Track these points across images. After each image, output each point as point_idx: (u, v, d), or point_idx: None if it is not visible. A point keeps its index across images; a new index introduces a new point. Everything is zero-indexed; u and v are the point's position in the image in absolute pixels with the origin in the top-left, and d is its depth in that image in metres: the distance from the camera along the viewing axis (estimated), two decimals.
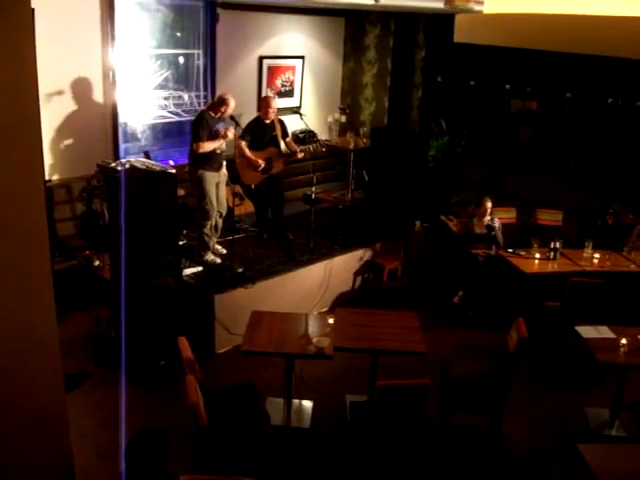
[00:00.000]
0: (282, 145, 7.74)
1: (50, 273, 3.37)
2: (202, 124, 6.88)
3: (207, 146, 6.83)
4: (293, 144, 7.86)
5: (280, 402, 5.69)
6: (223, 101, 6.95)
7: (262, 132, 7.62)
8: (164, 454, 3.12)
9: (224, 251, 7.31)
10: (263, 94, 9.87)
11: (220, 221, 7.27)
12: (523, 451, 5.34)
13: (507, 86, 9.61)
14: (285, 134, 7.79)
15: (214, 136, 6.87)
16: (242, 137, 7.48)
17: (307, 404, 5.82)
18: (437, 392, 5.28)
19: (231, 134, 6.91)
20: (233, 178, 7.55)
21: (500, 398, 5.17)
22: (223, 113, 6.93)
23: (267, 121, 7.62)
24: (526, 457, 5.27)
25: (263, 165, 7.58)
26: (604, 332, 5.61)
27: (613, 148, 9.13)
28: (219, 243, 7.40)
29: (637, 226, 7.58)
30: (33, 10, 3.10)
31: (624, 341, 5.40)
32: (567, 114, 9.53)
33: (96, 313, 6.60)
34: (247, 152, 7.51)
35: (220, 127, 6.93)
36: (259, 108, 7.67)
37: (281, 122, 7.75)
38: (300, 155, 7.73)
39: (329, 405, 5.81)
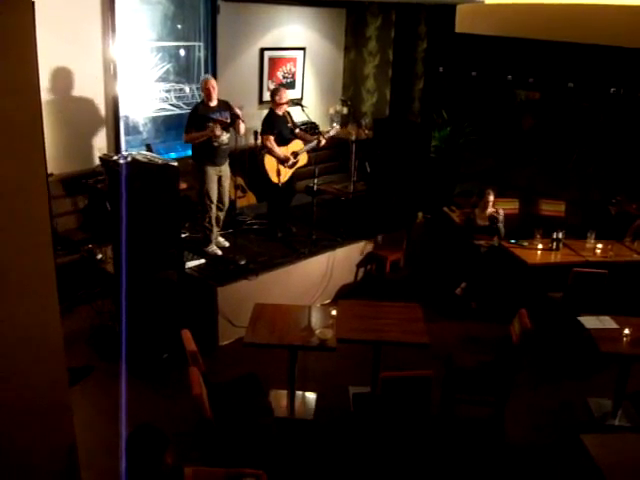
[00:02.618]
0: (301, 142, 7.63)
1: (53, 267, 3.37)
2: (191, 115, 6.88)
3: (193, 137, 6.78)
4: (307, 134, 7.77)
5: (283, 394, 5.70)
6: (201, 85, 6.96)
7: (280, 125, 7.45)
8: (160, 450, 3.14)
9: (227, 244, 7.30)
10: (264, 86, 9.85)
11: (222, 214, 7.24)
12: (526, 442, 5.35)
13: (509, 77, 9.59)
14: (295, 125, 7.71)
15: (204, 128, 6.77)
16: (267, 133, 7.34)
17: (310, 396, 5.83)
18: (440, 383, 5.29)
19: (218, 131, 6.76)
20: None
21: (503, 389, 5.18)
22: (210, 96, 6.81)
23: (280, 113, 7.44)
24: (529, 448, 5.27)
25: (292, 159, 7.47)
26: (607, 322, 5.61)
27: (615, 138, 9.10)
28: (222, 236, 7.38)
29: (638, 219, 7.58)
30: (33, 3, 3.09)
31: (627, 331, 5.40)
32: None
33: (99, 306, 6.61)
34: (276, 149, 7.34)
35: (216, 116, 6.81)
36: (272, 99, 7.50)
37: (289, 113, 7.62)
38: (323, 142, 7.58)
39: (332, 397, 5.82)
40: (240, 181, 8.04)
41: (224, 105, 6.94)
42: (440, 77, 10.38)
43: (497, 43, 8.19)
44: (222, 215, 7.26)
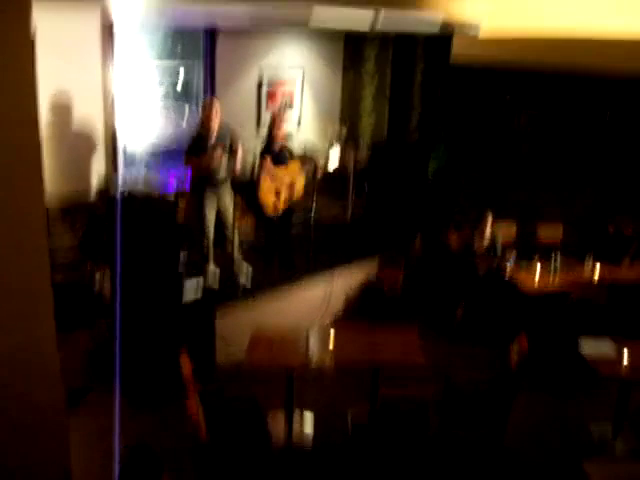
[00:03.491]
0: (299, 162, 7.63)
1: (50, 290, 3.36)
2: (191, 140, 6.82)
3: (193, 161, 6.72)
4: (305, 160, 7.76)
5: (281, 417, 5.66)
6: (202, 108, 6.91)
7: (277, 151, 7.44)
8: (155, 473, 3.12)
9: (249, 272, 7.22)
10: (262, 109, 9.88)
11: (230, 235, 7.13)
12: (525, 466, 5.31)
13: (507, 98, 9.64)
14: (292, 153, 7.66)
15: (205, 153, 6.71)
16: (263, 157, 7.32)
17: (308, 418, 5.80)
18: (438, 405, 5.26)
19: (217, 156, 6.71)
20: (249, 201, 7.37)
21: (502, 412, 5.15)
22: (211, 120, 6.74)
23: (278, 139, 7.43)
24: (529, 472, 5.23)
25: (287, 184, 7.43)
26: (606, 346, 5.59)
27: (612, 160, 9.13)
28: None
29: (634, 242, 7.60)
30: (34, 31, 3.10)
31: (626, 355, 5.38)
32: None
33: (96, 329, 6.58)
34: (271, 171, 7.30)
35: (217, 142, 6.77)
36: (270, 125, 7.54)
37: (287, 139, 7.61)
38: (320, 170, 7.64)
39: (330, 419, 5.79)
40: (238, 201, 8.01)
41: (224, 130, 6.90)
42: (438, 100, 10.42)
43: (493, 72, 8.26)
44: (233, 237, 7.14)
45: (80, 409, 5.63)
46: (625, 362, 5.34)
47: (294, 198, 7.68)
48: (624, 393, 5.52)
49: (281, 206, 7.44)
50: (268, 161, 7.28)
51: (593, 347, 5.58)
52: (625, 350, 5.43)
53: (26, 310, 3.25)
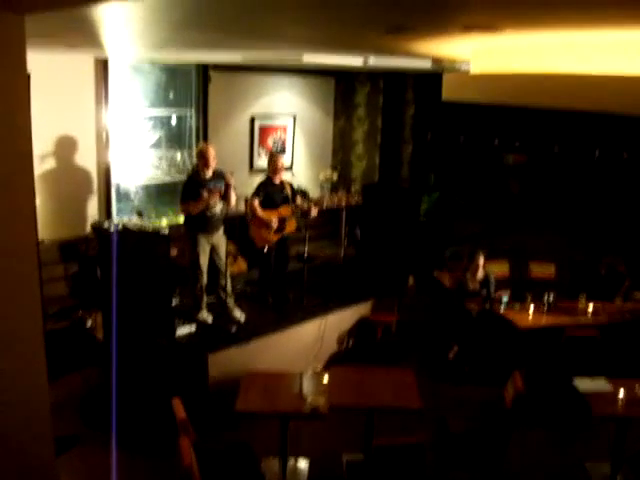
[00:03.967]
0: (294, 205, 7.63)
1: (42, 334, 3.35)
2: (186, 185, 6.80)
3: (189, 207, 6.68)
4: (304, 204, 7.78)
5: (276, 462, 5.59)
6: (199, 153, 6.87)
7: (273, 192, 7.42)
8: None
9: (242, 318, 7.13)
10: (255, 153, 9.97)
11: (223, 281, 7.07)
12: None
13: (496, 141, 9.74)
14: (294, 196, 7.63)
15: (200, 198, 6.65)
16: (253, 195, 7.34)
17: (303, 464, 5.72)
18: (434, 448, 5.21)
19: (213, 201, 6.69)
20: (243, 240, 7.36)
21: (498, 454, 5.10)
22: (207, 165, 6.72)
23: (277, 181, 7.45)
24: None
25: (277, 224, 7.44)
26: (601, 384, 5.58)
27: (602, 199, 9.20)
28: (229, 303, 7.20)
29: (626, 280, 7.63)
30: (29, 75, 3.16)
31: (621, 393, 5.36)
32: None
33: (88, 374, 6.53)
34: (259, 211, 7.29)
35: (212, 186, 6.74)
36: (267, 166, 7.59)
37: (290, 185, 7.61)
38: (314, 212, 7.62)
39: (325, 464, 5.71)
40: (231, 248, 8.05)
41: (219, 175, 6.90)
42: (428, 142, 10.55)
43: (483, 108, 8.35)
44: (225, 282, 7.09)
45: (71, 457, 5.56)
46: (620, 400, 5.32)
47: (286, 238, 7.69)
48: (621, 431, 5.48)
49: (273, 247, 7.45)
50: (255, 202, 7.28)
51: (588, 386, 5.56)
52: (620, 388, 5.42)
53: (18, 356, 3.24)
